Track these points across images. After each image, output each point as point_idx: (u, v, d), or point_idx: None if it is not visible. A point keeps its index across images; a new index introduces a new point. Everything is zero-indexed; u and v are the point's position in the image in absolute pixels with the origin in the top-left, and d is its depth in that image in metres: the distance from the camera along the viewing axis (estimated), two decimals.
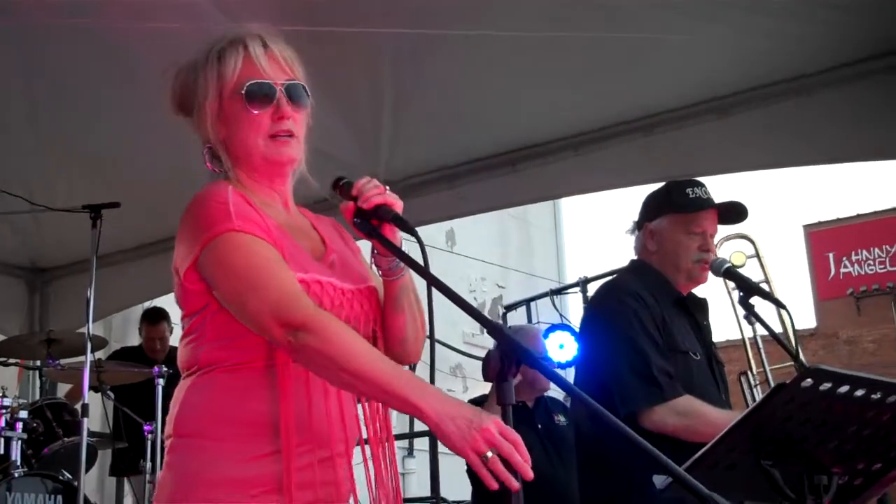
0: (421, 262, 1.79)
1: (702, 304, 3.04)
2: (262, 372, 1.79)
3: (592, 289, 7.83)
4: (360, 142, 4.67)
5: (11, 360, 5.18)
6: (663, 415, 2.68)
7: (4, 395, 4.34)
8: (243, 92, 1.85)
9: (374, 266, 1.95)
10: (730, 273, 2.87)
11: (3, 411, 4.27)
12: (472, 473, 2.38)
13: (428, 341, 2.01)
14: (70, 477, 4.26)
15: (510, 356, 1.68)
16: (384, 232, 1.85)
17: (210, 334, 1.82)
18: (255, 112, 1.85)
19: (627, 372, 2.76)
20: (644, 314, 2.82)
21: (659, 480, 1.95)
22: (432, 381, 1.83)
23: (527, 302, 8.81)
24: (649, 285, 2.94)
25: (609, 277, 3.55)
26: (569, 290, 8.25)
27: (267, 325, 1.71)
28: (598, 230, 23.64)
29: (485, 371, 1.70)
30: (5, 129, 4.69)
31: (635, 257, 3.10)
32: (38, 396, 5.74)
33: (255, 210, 1.82)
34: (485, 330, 1.77)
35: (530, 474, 1.56)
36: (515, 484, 1.55)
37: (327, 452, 1.81)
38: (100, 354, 4.56)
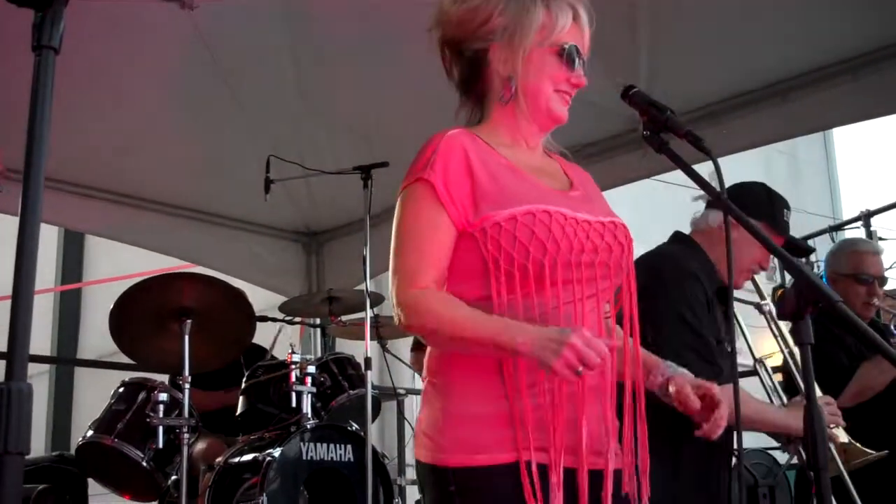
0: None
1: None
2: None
3: (876, 224, 7.35)
4: (618, 85, 4.54)
5: (297, 319, 5.47)
6: None
7: (294, 352, 4.58)
8: (565, 49, 2.03)
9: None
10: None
11: (294, 367, 4.50)
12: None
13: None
14: (357, 427, 4.45)
15: (806, 295, 1.64)
16: None
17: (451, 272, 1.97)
18: (563, 69, 2.04)
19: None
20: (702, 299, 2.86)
21: None
22: None
23: (803, 240, 8.40)
24: (701, 267, 2.95)
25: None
26: (849, 226, 7.77)
27: (392, 293, 1.91)
28: (872, 160, 21.96)
29: (779, 310, 1.68)
30: (277, 101, 4.94)
31: (684, 231, 3.11)
32: (318, 352, 6.06)
33: (468, 156, 1.94)
34: None
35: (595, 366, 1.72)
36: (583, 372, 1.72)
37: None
38: (377, 311, 4.71)
